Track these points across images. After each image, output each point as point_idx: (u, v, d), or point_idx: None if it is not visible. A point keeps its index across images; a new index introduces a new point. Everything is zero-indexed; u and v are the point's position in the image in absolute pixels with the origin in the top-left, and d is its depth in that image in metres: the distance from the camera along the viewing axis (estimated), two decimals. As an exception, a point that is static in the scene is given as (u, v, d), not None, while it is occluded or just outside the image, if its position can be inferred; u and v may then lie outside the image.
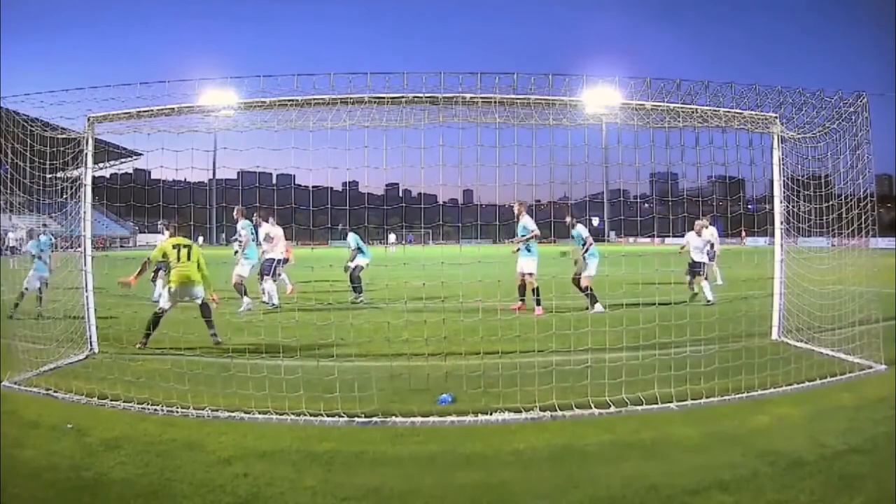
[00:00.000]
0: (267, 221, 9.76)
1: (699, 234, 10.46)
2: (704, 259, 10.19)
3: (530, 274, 8.55)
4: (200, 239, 38.83)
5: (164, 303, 6.48)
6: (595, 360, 4.77)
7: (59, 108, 5.32)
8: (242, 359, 5.02)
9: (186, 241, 6.66)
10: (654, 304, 5.76)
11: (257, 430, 3.77)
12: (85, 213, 5.82)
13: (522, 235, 8.68)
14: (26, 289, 8.70)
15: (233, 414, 3.99)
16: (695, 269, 10.11)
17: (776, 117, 5.74)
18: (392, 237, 34.16)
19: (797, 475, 3.01)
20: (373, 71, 4.94)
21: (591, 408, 4.04)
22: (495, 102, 5.07)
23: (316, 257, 10.85)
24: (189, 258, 6.49)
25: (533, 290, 8.47)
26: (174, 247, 6.52)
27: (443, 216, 6.20)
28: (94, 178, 5.90)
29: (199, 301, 6.55)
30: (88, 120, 5.65)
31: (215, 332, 6.42)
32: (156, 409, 4.10)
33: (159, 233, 11.46)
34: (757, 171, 5.79)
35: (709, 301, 9.48)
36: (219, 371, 4.78)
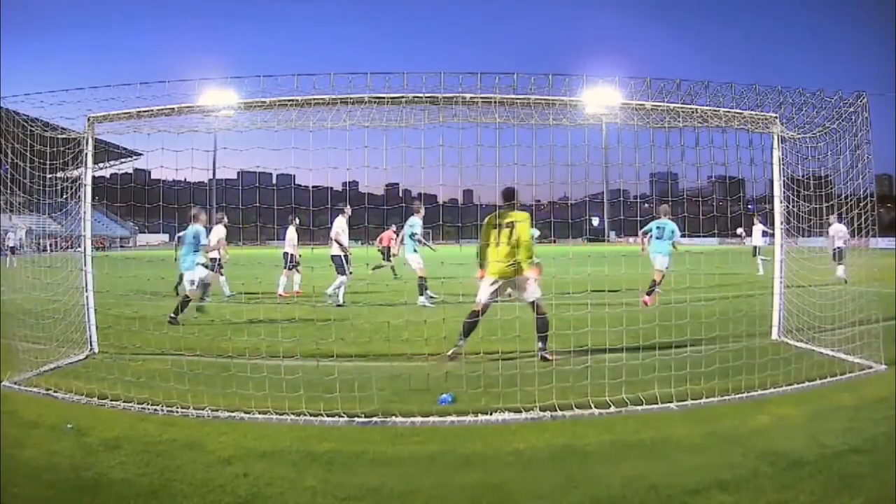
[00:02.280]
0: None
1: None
2: (841, 244, 11.61)
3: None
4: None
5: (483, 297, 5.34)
6: (595, 360, 4.76)
7: (59, 108, 5.32)
8: (242, 359, 5.02)
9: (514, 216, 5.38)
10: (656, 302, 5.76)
11: (257, 430, 3.77)
12: (85, 213, 5.81)
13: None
14: (198, 285, 7.72)
15: (233, 414, 3.99)
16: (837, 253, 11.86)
17: (776, 117, 5.73)
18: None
19: (797, 475, 3.00)
20: (373, 71, 4.94)
21: (591, 408, 4.03)
22: (495, 102, 5.06)
23: (316, 258, 10.82)
24: (510, 238, 5.33)
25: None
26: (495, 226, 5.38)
27: (443, 216, 6.16)
28: (94, 178, 5.89)
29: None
30: (88, 120, 5.64)
31: (543, 346, 5.39)
32: (156, 409, 4.10)
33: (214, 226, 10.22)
34: (757, 171, 5.79)
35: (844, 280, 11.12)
36: (219, 371, 4.77)
